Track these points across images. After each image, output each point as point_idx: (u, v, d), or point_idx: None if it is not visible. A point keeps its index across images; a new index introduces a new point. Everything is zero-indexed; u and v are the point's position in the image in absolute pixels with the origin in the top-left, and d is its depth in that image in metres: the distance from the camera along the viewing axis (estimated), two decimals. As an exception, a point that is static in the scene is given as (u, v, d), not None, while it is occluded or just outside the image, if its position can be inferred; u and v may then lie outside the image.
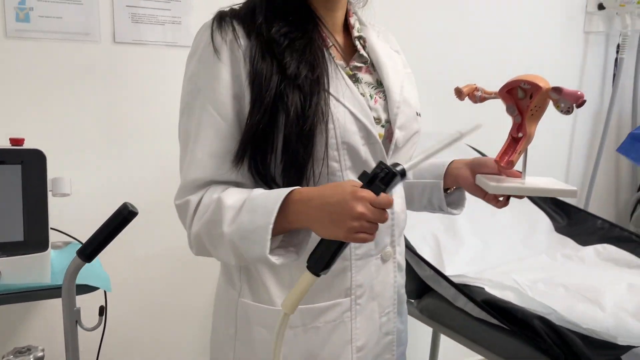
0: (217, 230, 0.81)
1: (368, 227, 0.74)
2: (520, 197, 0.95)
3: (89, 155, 1.73)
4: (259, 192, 0.83)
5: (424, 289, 1.40)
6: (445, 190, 1.07)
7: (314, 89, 0.85)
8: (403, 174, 0.73)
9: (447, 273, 1.37)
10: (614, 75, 2.79)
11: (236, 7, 0.94)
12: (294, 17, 0.90)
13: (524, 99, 0.91)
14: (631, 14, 2.66)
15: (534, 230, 1.73)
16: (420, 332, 1.80)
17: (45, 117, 1.66)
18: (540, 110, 0.91)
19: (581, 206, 2.90)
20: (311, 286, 0.77)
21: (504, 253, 1.58)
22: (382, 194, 0.73)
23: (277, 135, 0.84)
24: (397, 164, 0.74)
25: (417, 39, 2.31)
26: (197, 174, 0.85)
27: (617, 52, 2.75)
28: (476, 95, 0.98)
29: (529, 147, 0.95)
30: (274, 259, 0.78)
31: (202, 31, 0.90)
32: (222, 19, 0.88)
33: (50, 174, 1.36)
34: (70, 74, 1.68)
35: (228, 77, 0.85)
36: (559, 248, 1.64)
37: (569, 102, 0.84)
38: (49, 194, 1.32)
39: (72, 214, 1.66)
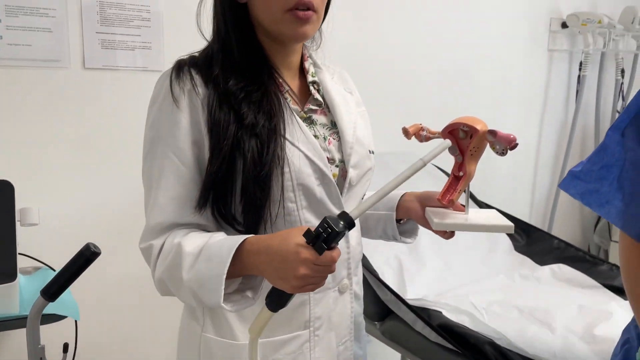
0: (178, 275, 0.85)
1: (314, 280, 0.78)
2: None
3: (60, 181, 1.75)
4: (216, 239, 0.86)
5: (387, 312, 1.45)
6: (399, 220, 1.12)
7: (271, 136, 0.89)
8: (350, 226, 0.76)
9: (408, 296, 1.43)
10: (577, 91, 2.89)
11: (195, 54, 0.98)
12: (249, 67, 0.94)
13: (464, 139, 0.95)
14: (592, 33, 2.76)
15: (494, 249, 1.80)
16: (390, 354, 1.84)
17: (14, 145, 1.67)
18: (478, 151, 0.96)
19: (547, 217, 3.00)
20: (268, 320, 0.82)
21: (464, 273, 1.64)
22: (325, 253, 0.76)
23: (236, 181, 0.88)
24: (344, 214, 0.77)
25: (387, 57, 2.37)
26: (160, 218, 0.88)
27: (580, 69, 2.85)
28: (421, 135, 1.01)
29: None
30: (229, 307, 0.82)
31: (161, 80, 0.93)
32: (180, 68, 0.91)
33: (20, 203, 1.38)
34: (39, 101, 1.69)
35: (187, 124, 0.88)
36: (518, 268, 1.71)
37: (503, 144, 0.89)
38: (17, 224, 1.34)
39: (42, 239, 1.68)
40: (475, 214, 0.96)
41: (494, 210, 1.02)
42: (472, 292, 1.49)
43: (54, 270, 1.52)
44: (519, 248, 1.83)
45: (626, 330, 0.99)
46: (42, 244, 1.66)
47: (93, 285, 1.72)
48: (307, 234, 0.76)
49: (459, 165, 0.96)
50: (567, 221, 3.15)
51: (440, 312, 1.35)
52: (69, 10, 1.69)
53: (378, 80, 2.36)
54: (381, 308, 1.44)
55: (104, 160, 1.79)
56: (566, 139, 2.93)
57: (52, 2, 1.67)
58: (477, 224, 0.93)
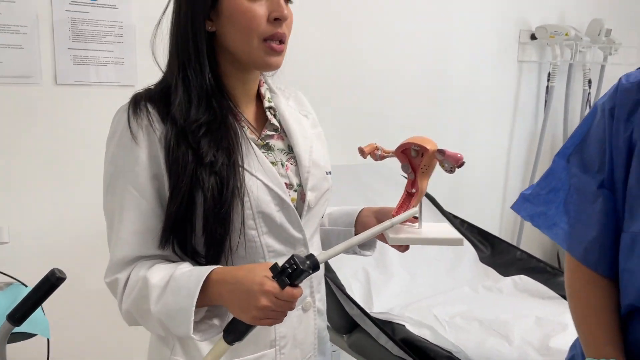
0: (145, 307, 0.88)
1: (273, 315, 0.81)
2: None
3: (31, 197, 1.76)
4: (182, 270, 0.88)
5: (353, 325, 1.49)
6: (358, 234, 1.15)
7: (230, 172, 0.90)
8: (314, 268, 0.80)
9: (375, 309, 1.47)
10: (546, 101, 2.97)
11: (151, 87, 0.97)
12: (208, 99, 0.95)
13: (416, 158, 0.98)
14: (560, 45, 2.84)
15: (459, 260, 1.85)
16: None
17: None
18: (429, 169, 0.98)
19: (517, 225, 3.08)
20: (225, 352, 0.85)
21: (430, 285, 1.69)
22: (287, 288, 0.80)
23: (196, 217, 0.90)
24: (311, 256, 0.81)
25: (359, 68, 2.41)
26: (124, 252, 0.90)
27: (548, 80, 2.93)
28: (376, 154, 1.03)
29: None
30: (197, 337, 0.85)
31: (119, 115, 0.93)
32: (137, 104, 0.92)
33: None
34: (10, 117, 1.71)
35: (146, 159, 0.89)
36: (482, 279, 1.76)
37: (451, 163, 0.92)
38: (-13, 243, 1.36)
39: (13, 255, 1.70)
40: (428, 228, 1.00)
41: (446, 223, 1.06)
42: (436, 304, 1.54)
43: (26, 286, 1.53)
44: (484, 259, 1.89)
45: (573, 347, 1.04)
46: (13, 260, 1.67)
47: (65, 301, 1.74)
48: (274, 267, 0.80)
49: (412, 183, 0.99)
50: (536, 229, 3.23)
51: (404, 326, 1.40)
52: (40, 26, 1.71)
53: (350, 92, 2.41)
54: (348, 321, 1.49)
55: (76, 176, 1.81)
56: (535, 148, 3.01)
57: (23, 19, 1.68)
58: (430, 238, 0.96)
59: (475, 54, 2.77)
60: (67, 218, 1.82)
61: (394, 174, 2.24)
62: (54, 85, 1.75)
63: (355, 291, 1.54)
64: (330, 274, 1.52)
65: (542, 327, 1.38)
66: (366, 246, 1.17)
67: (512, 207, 1.09)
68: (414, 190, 0.98)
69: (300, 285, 0.82)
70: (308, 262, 0.80)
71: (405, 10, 2.49)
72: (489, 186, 2.97)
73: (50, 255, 1.80)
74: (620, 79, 0.93)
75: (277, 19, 0.92)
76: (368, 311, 1.45)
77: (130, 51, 1.85)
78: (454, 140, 2.78)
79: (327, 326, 1.49)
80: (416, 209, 0.94)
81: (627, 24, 3.11)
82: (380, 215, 1.09)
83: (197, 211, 0.90)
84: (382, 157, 1.02)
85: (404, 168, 0.99)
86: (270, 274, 0.81)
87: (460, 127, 2.79)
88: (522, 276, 1.72)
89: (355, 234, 1.14)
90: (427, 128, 2.66)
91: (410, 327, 1.39)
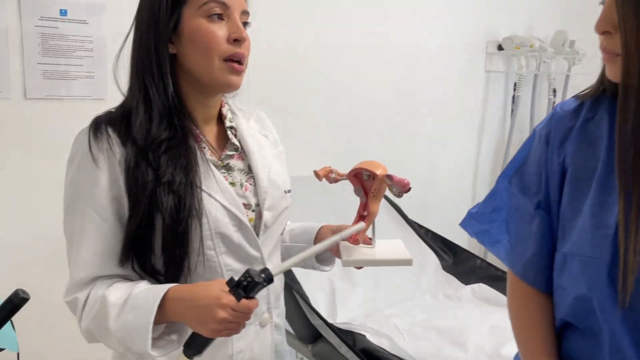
0: (104, 326, 0.91)
1: (231, 326, 0.85)
2: None
3: (2, 210, 1.78)
4: (140, 288, 0.92)
5: (318, 335, 1.55)
6: None
7: (188, 191, 0.94)
8: (269, 281, 0.85)
9: (339, 319, 1.53)
10: (512, 110, 3.05)
11: (112, 110, 1.00)
12: (170, 120, 0.97)
13: (368, 181, 1.04)
14: (526, 55, 2.93)
15: (422, 269, 1.91)
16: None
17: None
18: (379, 193, 1.03)
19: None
20: None
21: (393, 294, 1.75)
22: (243, 301, 0.84)
23: (155, 236, 0.93)
24: (266, 270, 0.85)
25: (331, 78, 2.46)
26: (83, 273, 0.93)
27: (515, 89, 3.02)
28: (330, 177, 1.08)
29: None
30: (156, 353, 0.89)
31: (80, 138, 0.95)
32: (97, 127, 0.94)
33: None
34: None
35: (106, 181, 0.92)
36: (443, 287, 1.83)
37: (398, 188, 0.98)
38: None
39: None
40: (381, 247, 1.05)
41: (400, 242, 1.10)
42: (397, 314, 1.61)
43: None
44: (446, 267, 1.96)
45: (516, 357, 1.10)
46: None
47: (33, 314, 1.76)
48: (230, 281, 0.84)
49: (364, 206, 1.04)
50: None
51: (364, 336, 1.46)
52: (10, 42, 1.72)
53: (321, 102, 2.46)
54: (312, 331, 1.54)
55: (45, 190, 1.82)
56: (502, 155, 3.10)
57: (-8, 35, 1.70)
58: (381, 259, 1.02)
59: (444, 64, 2.84)
60: (38, 231, 1.84)
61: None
62: (23, 100, 1.77)
63: (320, 302, 1.60)
64: (295, 285, 1.57)
65: (496, 335, 1.45)
66: (325, 262, 1.21)
67: (460, 224, 1.15)
68: (365, 213, 1.03)
69: (256, 297, 0.86)
70: (263, 275, 0.84)
71: (376, 21, 2.55)
72: (458, 193, 3.04)
73: (18, 269, 1.82)
74: (555, 107, 0.99)
75: (237, 40, 0.96)
76: (332, 321, 1.51)
77: (101, 65, 1.87)
78: (424, 148, 2.85)
79: (293, 335, 1.54)
80: (362, 224, 0.99)
81: (590, 35, 3.18)
82: (338, 232, 1.13)
83: (156, 230, 0.92)
84: (336, 180, 1.07)
85: (356, 191, 1.04)
86: (226, 288, 0.85)
87: (430, 135, 2.86)
88: (481, 284, 1.78)
89: None
90: (398, 136, 2.73)
91: (370, 337, 1.45)
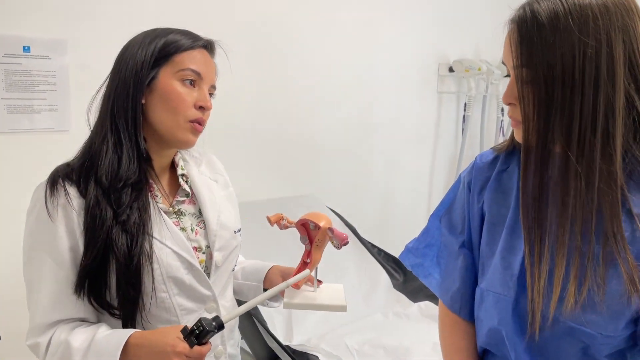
0: None
1: None
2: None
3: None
4: (103, 334, 0.99)
5: (275, 356, 1.65)
6: (266, 289, 1.28)
7: (139, 231, 1.00)
8: (219, 327, 0.94)
9: (294, 340, 1.63)
10: (463, 129, 3.22)
11: (70, 161, 1.05)
12: (133, 166, 1.03)
13: (314, 231, 1.13)
14: (475, 78, 3.10)
15: (374, 287, 2.03)
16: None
17: None
18: (322, 243, 1.12)
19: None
20: None
21: (347, 313, 1.84)
22: (196, 347, 0.93)
23: (110, 276, 1.00)
24: (217, 318, 0.94)
25: (291, 101, 2.57)
26: (43, 318, 0.99)
27: (465, 110, 3.19)
28: (281, 223, 1.15)
29: None
30: None
31: (38, 192, 1.01)
32: (54, 184, 1.00)
33: None
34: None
35: (63, 232, 0.98)
36: (393, 305, 1.95)
37: (337, 240, 1.08)
38: None
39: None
40: (323, 291, 1.15)
41: (340, 286, 1.20)
42: (349, 333, 1.72)
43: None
44: (397, 286, 2.08)
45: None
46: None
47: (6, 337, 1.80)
48: (184, 330, 0.93)
49: (308, 253, 1.13)
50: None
51: (317, 357, 1.57)
52: (-26, 79, 1.77)
53: (279, 125, 2.56)
54: (269, 353, 1.64)
55: (9, 221, 1.87)
56: (455, 171, 3.27)
57: (-44, 72, 1.74)
58: (318, 304, 1.12)
59: (399, 85, 2.99)
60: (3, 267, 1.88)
61: (322, 207, 2.41)
62: (-13, 134, 1.83)
63: (277, 324, 1.70)
64: (253, 309, 1.67)
65: (438, 352, 1.56)
66: (273, 299, 1.28)
67: (399, 257, 1.27)
68: (309, 260, 1.12)
69: (209, 342, 0.96)
70: (214, 323, 0.93)
71: (333, 46, 2.67)
72: (414, 209, 3.19)
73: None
74: (475, 158, 1.12)
75: (202, 107, 1.07)
76: (288, 343, 1.61)
77: (64, 98, 1.94)
78: (381, 166, 2.99)
79: (251, 355, 1.64)
80: (308, 271, 1.10)
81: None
82: (285, 274, 1.23)
83: (110, 269, 0.99)
84: (285, 227, 1.15)
85: (302, 239, 1.13)
86: (181, 336, 0.94)
87: (387, 154, 3.00)
88: (427, 302, 1.92)
89: (264, 289, 1.28)
90: (356, 155, 2.85)
91: (323, 358, 1.56)
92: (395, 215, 3.07)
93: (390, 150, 3.01)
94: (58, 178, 1.01)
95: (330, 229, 1.10)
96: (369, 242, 2.32)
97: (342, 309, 1.11)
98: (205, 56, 1.11)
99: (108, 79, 1.09)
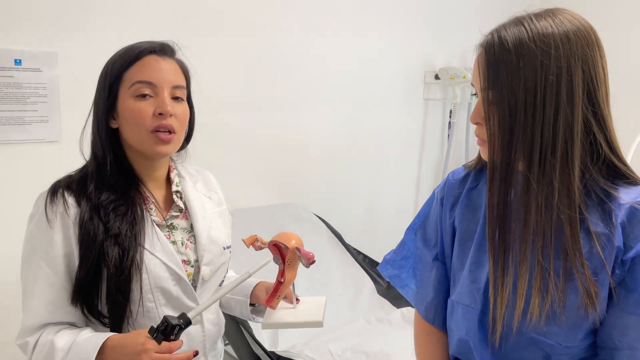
0: None
1: None
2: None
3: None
4: (84, 336, 1.04)
5: (260, 361, 1.70)
6: (253, 304, 1.33)
7: (131, 244, 1.05)
8: (187, 324, 0.98)
9: (279, 346, 1.68)
10: (449, 135, 3.28)
11: (72, 173, 1.13)
12: (119, 183, 1.10)
13: (285, 250, 1.16)
14: (460, 85, 3.16)
15: (359, 294, 2.09)
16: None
17: None
18: (293, 262, 1.15)
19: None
20: None
21: (331, 319, 1.88)
22: (164, 343, 0.95)
23: (101, 286, 1.06)
24: (183, 315, 0.98)
25: (279, 108, 2.62)
26: (34, 320, 1.05)
27: (450, 116, 3.25)
28: (256, 245, 1.18)
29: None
30: None
31: (39, 201, 1.08)
32: (54, 193, 1.07)
33: None
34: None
35: (60, 240, 1.04)
36: (376, 311, 2.00)
37: (304, 260, 1.12)
38: None
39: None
40: (302, 307, 1.19)
41: (323, 299, 1.24)
42: (332, 339, 1.77)
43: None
44: (380, 292, 2.14)
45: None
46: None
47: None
48: (150, 329, 0.98)
49: (281, 273, 1.17)
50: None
51: (301, 362, 1.63)
52: (-35, 92, 1.81)
53: (269, 131, 2.61)
54: (255, 358, 1.69)
55: (1, 229, 1.91)
56: (441, 176, 3.32)
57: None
58: (294, 322, 1.16)
59: (385, 92, 3.04)
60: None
61: (309, 214, 2.46)
62: (-21, 146, 1.87)
63: (263, 331, 1.74)
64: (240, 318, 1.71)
65: (418, 357, 1.63)
66: (260, 313, 1.33)
67: (378, 268, 1.32)
68: (282, 280, 1.16)
69: (180, 339, 0.99)
70: (181, 320, 0.98)
71: (320, 55, 2.73)
72: (399, 215, 3.23)
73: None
74: (448, 175, 1.17)
75: (160, 114, 1.09)
76: (273, 349, 1.66)
77: (54, 109, 1.98)
78: (367, 173, 3.04)
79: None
80: (270, 259, 1.14)
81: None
82: (269, 290, 1.25)
83: (102, 282, 1.05)
84: (260, 248, 1.18)
85: (275, 260, 1.18)
86: (149, 335, 0.98)
87: (373, 161, 3.06)
88: (410, 308, 1.97)
89: (251, 305, 1.32)
90: (342, 163, 2.90)
91: (306, 363, 1.61)
92: (381, 222, 3.12)
93: (377, 157, 3.07)
94: (59, 188, 1.08)
95: (298, 249, 1.13)
96: (355, 249, 2.37)
97: (318, 324, 1.14)
98: (155, 61, 1.12)
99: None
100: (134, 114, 1.09)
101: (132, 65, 1.10)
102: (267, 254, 1.19)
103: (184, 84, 1.16)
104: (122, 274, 1.05)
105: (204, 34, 2.30)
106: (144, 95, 1.09)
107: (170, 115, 1.10)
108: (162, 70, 1.11)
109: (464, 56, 3.27)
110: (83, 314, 1.08)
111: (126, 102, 1.10)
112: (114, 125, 1.13)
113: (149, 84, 1.10)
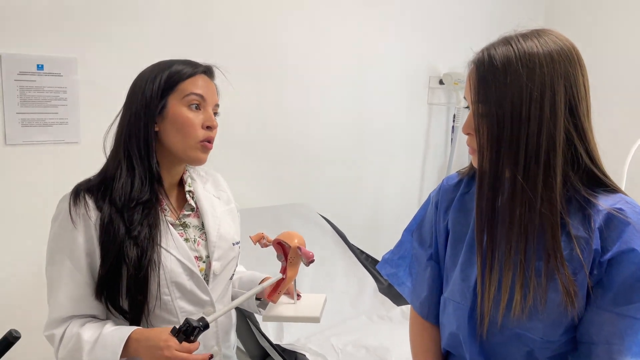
0: (78, 358, 1.12)
1: None
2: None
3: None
4: (109, 329, 1.13)
5: (266, 354, 1.79)
6: (259, 298, 1.40)
7: (149, 245, 1.13)
8: (205, 327, 1.07)
9: (284, 339, 1.77)
10: (452, 139, 3.35)
11: (92, 177, 1.20)
12: (151, 184, 1.17)
13: (289, 249, 1.22)
14: (463, 90, 3.21)
15: (361, 291, 2.16)
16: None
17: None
18: (295, 260, 1.20)
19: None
20: None
21: (334, 316, 1.99)
22: (184, 343, 1.05)
23: (122, 284, 1.15)
24: (202, 319, 1.07)
25: (287, 111, 2.71)
26: (60, 313, 1.13)
27: (454, 121, 3.32)
28: (262, 242, 1.26)
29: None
30: None
31: (63, 202, 1.15)
32: (77, 195, 1.14)
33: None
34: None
35: (82, 239, 1.12)
36: (377, 308, 2.08)
37: (304, 258, 1.19)
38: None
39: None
40: (302, 302, 1.26)
41: (323, 296, 1.30)
42: (335, 334, 1.85)
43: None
44: (382, 290, 2.22)
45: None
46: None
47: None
48: (173, 329, 1.08)
49: (284, 269, 1.24)
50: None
51: (305, 355, 1.70)
52: (-8, 95, 1.92)
53: (278, 135, 2.70)
54: (261, 350, 1.78)
55: (24, 225, 2.02)
56: (444, 177, 3.37)
57: (-25, 90, 1.89)
58: (292, 316, 1.23)
59: (391, 97, 3.13)
60: (18, 264, 2.04)
61: (314, 214, 2.55)
62: (4, 146, 1.97)
63: (268, 325, 1.83)
64: (247, 311, 1.80)
65: (416, 352, 1.70)
66: (265, 306, 1.38)
67: (377, 266, 1.39)
68: (284, 276, 1.23)
69: (198, 340, 1.08)
70: (200, 323, 1.07)
71: (327, 60, 2.82)
72: (403, 216, 3.28)
73: (1, 296, 2.01)
74: (443, 180, 1.25)
75: (209, 127, 1.21)
76: (278, 342, 1.75)
77: (74, 111, 2.08)
78: (372, 175, 3.12)
79: (245, 353, 1.77)
80: (280, 276, 1.21)
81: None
82: (276, 286, 1.35)
83: (123, 280, 1.14)
84: (266, 245, 1.25)
85: (278, 257, 1.25)
86: (172, 334, 1.08)
87: (378, 163, 3.14)
88: (409, 306, 2.04)
89: (257, 299, 1.40)
90: (347, 165, 2.99)
91: (309, 357, 1.69)
92: (384, 223, 3.19)
93: (381, 160, 3.14)
94: (80, 190, 1.17)
95: (299, 248, 1.20)
96: (358, 248, 2.45)
97: (315, 320, 1.20)
98: (205, 80, 1.24)
99: (121, 112, 1.23)
100: (187, 122, 1.18)
101: (190, 78, 1.20)
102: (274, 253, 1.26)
103: (219, 103, 1.28)
104: (140, 273, 1.14)
105: (215, 39, 2.39)
106: (196, 107, 1.20)
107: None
108: (211, 88, 1.24)
109: (467, 62, 3.32)
110: (107, 309, 1.17)
111: (179, 109, 1.19)
112: (156, 128, 1.19)
113: (202, 97, 1.20)
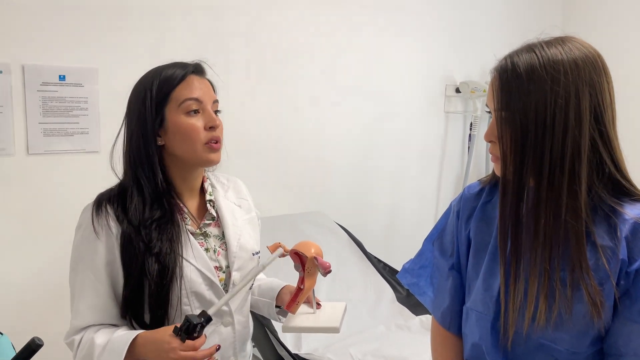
0: None
1: None
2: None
3: (9, 253, 2.01)
4: (118, 334, 1.12)
5: (285, 363, 1.78)
6: (279, 306, 1.39)
7: (171, 260, 1.14)
8: (208, 320, 1.06)
9: (303, 349, 1.76)
10: (469, 147, 3.34)
11: (113, 187, 1.21)
12: (159, 200, 1.16)
13: (305, 259, 1.20)
14: (480, 99, 3.21)
15: (379, 301, 2.15)
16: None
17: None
18: (312, 270, 1.19)
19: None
20: None
21: (352, 325, 1.98)
22: (187, 341, 1.04)
23: (145, 299, 1.15)
24: (204, 312, 1.06)
25: (302, 121, 2.72)
26: (80, 322, 1.16)
27: (471, 129, 3.30)
28: (279, 251, 1.22)
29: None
30: None
31: (85, 212, 1.17)
32: (99, 205, 1.16)
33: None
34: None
35: (103, 250, 1.14)
36: (396, 318, 2.06)
37: (321, 269, 1.17)
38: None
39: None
40: (322, 312, 1.24)
41: (343, 305, 1.29)
42: (354, 343, 1.84)
43: (1, 334, 1.75)
44: (400, 299, 2.20)
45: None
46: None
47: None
48: (175, 329, 1.07)
49: (301, 280, 1.22)
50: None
51: (323, 364, 1.70)
52: (14, 105, 1.96)
53: (293, 145, 2.71)
54: (279, 358, 1.77)
55: (46, 233, 2.05)
56: (461, 188, 3.37)
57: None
58: (311, 327, 1.22)
59: (407, 105, 3.12)
60: (39, 270, 2.06)
61: (331, 223, 2.54)
62: (26, 155, 2.01)
63: (287, 334, 1.82)
64: (265, 320, 1.81)
65: (435, 362, 1.69)
66: (285, 313, 1.36)
67: (397, 276, 1.38)
68: (302, 287, 1.22)
69: (204, 335, 1.07)
70: (202, 318, 1.06)
71: (343, 68, 2.83)
72: (419, 225, 3.27)
73: (23, 304, 2.03)
74: (464, 189, 1.24)
75: (212, 127, 1.19)
76: (297, 352, 1.74)
77: (94, 121, 2.11)
78: (388, 184, 3.11)
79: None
80: (280, 250, 1.18)
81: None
82: (294, 296, 1.34)
83: (145, 294, 1.15)
84: (283, 255, 1.22)
85: (295, 267, 1.24)
86: (174, 334, 1.07)
87: (395, 171, 3.13)
88: (428, 315, 2.03)
89: (276, 307, 1.39)
90: (364, 174, 2.99)
91: (328, 366, 1.69)
92: (401, 232, 3.18)
93: (398, 168, 3.14)
94: (102, 201, 1.18)
95: (316, 258, 1.19)
96: (375, 257, 2.44)
97: (335, 330, 1.19)
98: (198, 80, 1.21)
99: (124, 126, 1.22)
100: (188, 129, 1.17)
101: (180, 83, 1.18)
102: (290, 261, 1.25)
103: (217, 98, 1.26)
104: (162, 289, 1.14)
105: (232, 51, 2.42)
106: (194, 112, 1.19)
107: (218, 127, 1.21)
108: (204, 87, 1.21)
109: (484, 70, 3.32)
110: (131, 325, 1.17)
111: (178, 118, 1.17)
112: (160, 142, 1.20)
113: (197, 100, 1.18)
